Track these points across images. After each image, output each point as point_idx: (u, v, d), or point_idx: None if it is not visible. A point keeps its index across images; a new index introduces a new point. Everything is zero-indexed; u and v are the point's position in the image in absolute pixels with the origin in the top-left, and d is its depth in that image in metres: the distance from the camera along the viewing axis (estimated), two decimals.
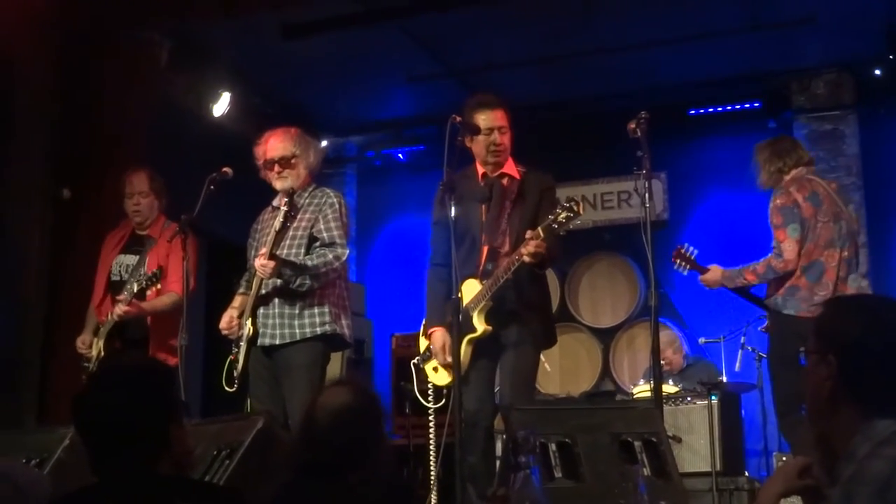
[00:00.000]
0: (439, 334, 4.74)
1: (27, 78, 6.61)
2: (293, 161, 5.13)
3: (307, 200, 5.11)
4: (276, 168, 5.13)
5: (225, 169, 5.23)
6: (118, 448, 2.32)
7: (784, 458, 2.58)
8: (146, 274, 5.38)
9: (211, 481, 3.47)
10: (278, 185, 5.17)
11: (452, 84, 8.13)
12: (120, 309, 5.41)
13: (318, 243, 5.03)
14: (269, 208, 5.31)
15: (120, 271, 5.70)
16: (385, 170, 9.85)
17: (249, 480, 3.56)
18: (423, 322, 4.95)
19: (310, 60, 7.94)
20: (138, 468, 2.31)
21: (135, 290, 5.39)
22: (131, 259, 5.69)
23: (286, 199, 4.93)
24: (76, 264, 6.50)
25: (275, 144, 5.17)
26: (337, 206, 5.10)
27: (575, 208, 4.42)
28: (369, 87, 8.57)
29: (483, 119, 4.76)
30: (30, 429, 5.88)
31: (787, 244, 5.23)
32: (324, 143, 9.42)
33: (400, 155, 9.75)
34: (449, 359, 4.62)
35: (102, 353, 5.51)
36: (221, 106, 7.80)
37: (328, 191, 5.20)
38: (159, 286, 5.35)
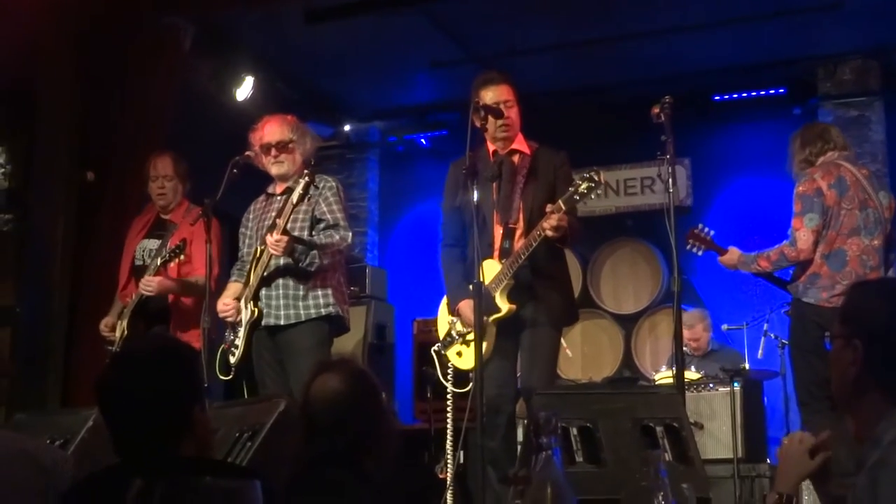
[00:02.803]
0: (466, 303, 4.71)
1: (51, 63, 6.65)
2: (290, 146, 5.19)
3: (299, 180, 5.10)
4: (273, 153, 5.18)
5: (248, 153, 5.26)
6: (141, 429, 2.33)
7: (785, 440, 2.55)
8: (169, 248, 5.41)
9: (233, 462, 3.49)
10: (274, 170, 5.23)
11: (475, 70, 7.97)
12: (151, 282, 5.40)
13: (322, 224, 5.08)
14: (263, 196, 5.34)
15: (143, 256, 5.73)
16: (408, 155, 9.85)
17: (271, 463, 3.57)
18: (442, 304, 4.94)
19: (333, 46, 7.93)
20: (161, 449, 2.32)
21: (157, 263, 5.41)
22: (154, 244, 5.72)
23: (304, 182, 4.88)
24: (100, 249, 6.54)
25: (272, 129, 5.22)
26: (336, 189, 5.16)
27: (596, 178, 4.41)
28: (392, 73, 8.56)
29: (489, 95, 4.77)
30: (54, 410, 5.94)
31: (802, 233, 5.17)
32: (347, 128, 9.47)
33: (422, 140, 9.73)
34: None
35: (126, 332, 5.55)
36: (245, 90, 7.81)
37: (324, 175, 5.22)
38: (182, 257, 5.37)
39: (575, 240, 4.74)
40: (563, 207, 4.44)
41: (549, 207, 4.47)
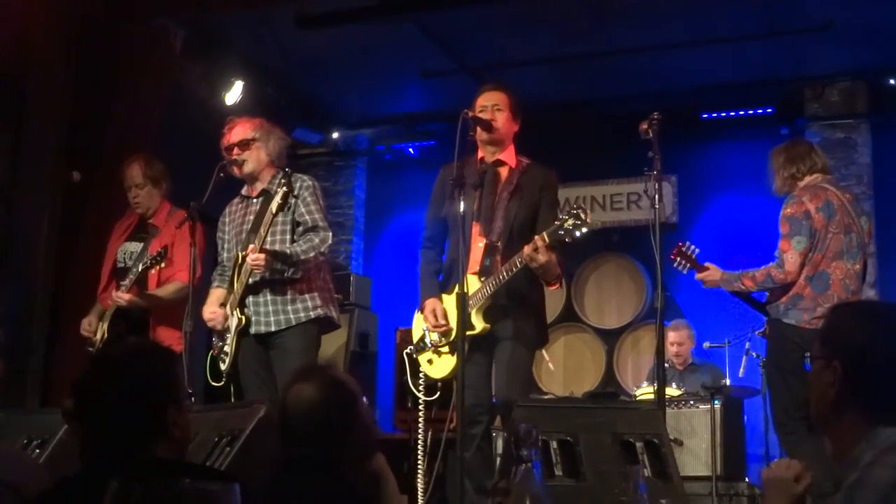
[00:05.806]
0: (430, 301, 4.72)
1: (42, 64, 6.63)
2: (252, 144, 5.18)
3: (278, 189, 5.09)
4: (235, 150, 5.18)
5: (234, 156, 5.25)
6: (113, 430, 2.33)
7: (773, 465, 2.54)
8: (150, 255, 5.41)
9: (211, 466, 3.48)
10: (239, 170, 5.21)
11: (465, 80, 8.11)
12: (123, 297, 5.42)
13: (300, 227, 5.08)
14: (238, 199, 5.33)
15: (125, 258, 5.71)
16: (395, 164, 9.86)
17: (250, 467, 3.56)
18: (417, 311, 4.92)
19: (324, 52, 7.94)
20: (135, 450, 2.32)
21: (138, 269, 5.41)
22: (136, 246, 5.70)
23: (282, 191, 4.86)
24: (84, 248, 6.51)
25: (237, 131, 5.25)
26: (313, 188, 5.15)
27: (583, 216, 4.28)
28: (382, 81, 8.57)
29: (481, 100, 4.78)
30: (32, 410, 5.90)
31: (790, 256, 5.17)
32: (335, 135, 9.47)
33: (410, 150, 9.75)
34: (441, 321, 4.62)
35: (106, 336, 5.54)
36: (234, 94, 7.81)
37: (300, 175, 5.21)
38: (162, 265, 5.36)
39: (558, 277, 4.61)
40: (548, 241, 4.34)
41: (536, 239, 4.38)
